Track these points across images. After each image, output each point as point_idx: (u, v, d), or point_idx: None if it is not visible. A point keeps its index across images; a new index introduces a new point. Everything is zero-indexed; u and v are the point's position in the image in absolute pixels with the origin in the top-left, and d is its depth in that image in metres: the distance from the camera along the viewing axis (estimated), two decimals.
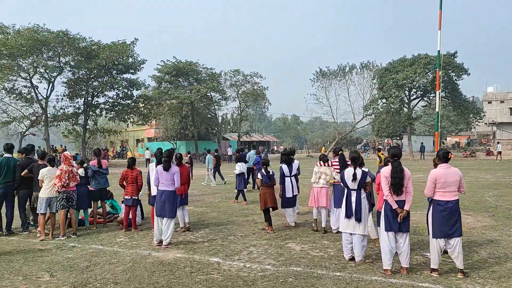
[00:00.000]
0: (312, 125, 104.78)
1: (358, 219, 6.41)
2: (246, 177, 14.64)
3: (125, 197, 8.83)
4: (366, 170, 6.69)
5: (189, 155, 20.92)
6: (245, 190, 13.70)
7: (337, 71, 51.89)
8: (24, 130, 38.24)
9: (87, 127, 37.81)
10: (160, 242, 7.52)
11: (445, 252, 6.04)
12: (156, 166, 7.95)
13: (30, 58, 33.09)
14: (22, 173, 8.64)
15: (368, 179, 6.62)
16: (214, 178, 18.92)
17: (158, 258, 6.69)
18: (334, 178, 8.50)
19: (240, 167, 13.94)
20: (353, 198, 6.50)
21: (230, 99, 47.70)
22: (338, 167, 8.36)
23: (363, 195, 6.56)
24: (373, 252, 7.00)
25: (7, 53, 31.45)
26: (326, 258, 6.65)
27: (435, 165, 6.63)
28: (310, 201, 8.66)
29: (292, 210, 9.28)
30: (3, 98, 35.69)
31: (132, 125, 42.01)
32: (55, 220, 8.48)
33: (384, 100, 43.65)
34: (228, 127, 54.66)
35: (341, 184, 8.39)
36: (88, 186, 9.37)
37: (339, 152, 8.68)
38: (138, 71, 37.66)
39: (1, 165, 8.61)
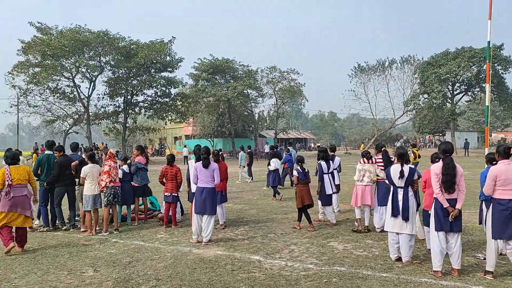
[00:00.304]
0: (350, 122, 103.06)
1: (406, 218, 6.11)
2: (280, 173, 14.67)
3: (165, 193, 8.87)
4: (413, 167, 6.38)
5: (220, 153, 21.05)
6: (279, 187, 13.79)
7: (376, 66, 50.74)
8: (67, 128, 39.64)
9: (127, 125, 38.75)
10: (199, 239, 7.48)
11: (501, 253, 5.66)
12: (195, 163, 7.92)
13: (73, 58, 34.27)
14: (72, 169, 8.90)
15: (415, 176, 6.29)
16: (250, 175, 19.03)
17: (198, 255, 6.63)
18: (378, 176, 8.19)
19: (275, 163, 13.92)
20: (400, 196, 6.19)
21: (266, 96, 47.60)
22: (382, 164, 8.06)
23: (411, 193, 6.25)
24: (420, 253, 6.66)
25: (51, 53, 32.66)
26: (371, 258, 6.38)
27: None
28: (354, 200, 8.34)
29: (331, 207, 9.12)
30: (47, 98, 37.12)
31: (170, 123, 42.68)
32: (97, 215, 8.62)
33: (425, 95, 42.20)
34: (265, 124, 54.60)
35: (386, 181, 8.12)
36: (131, 183, 9.46)
37: (382, 149, 8.36)
38: (176, 69, 38.25)
39: (42, 162, 8.81)
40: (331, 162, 9.67)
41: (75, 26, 34.54)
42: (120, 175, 8.94)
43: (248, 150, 20.23)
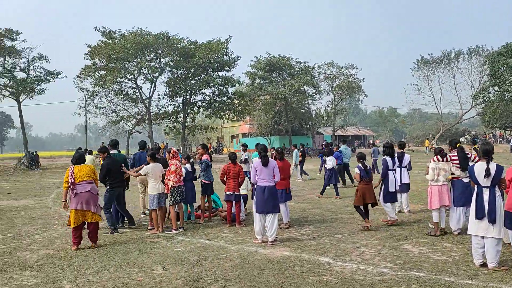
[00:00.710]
0: (411, 117, 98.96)
1: (492, 221, 5.56)
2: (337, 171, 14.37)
3: (227, 192, 8.77)
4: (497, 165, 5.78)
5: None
6: (339, 185, 13.69)
7: (441, 58, 48.08)
8: (130, 129, 41.38)
9: (186, 124, 39.71)
10: (264, 239, 7.32)
11: None
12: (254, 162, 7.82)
13: (135, 60, 35.68)
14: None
15: (504, 174, 5.70)
16: (302, 173, 18.84)
17: (265, 256, 6.46)
18: (453, 174, 7.59)
19: (332, 161, 13.58)
20: (486, 197, 5.64)
21: (324, 92, 46.87)
22: (458, 161, 7.47)
23: (498, 193, 5.67)
24: (507, 258, 6.04)
25: (115, 56, 34.18)
26: (451, 263, 5.88)
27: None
28: (431, 202, 7.69)
29: (392, 204, 8.74)
30: (112, 99, 39.02)
31: (228, 121, 43.24)
32: (163, 213, 8.72)
33: (496, 88, 39.45)
34: (322, 121, 53.76)
35: (462, 180, 7.51)
36: (193, 182, 9.50)
37: (457, 145, 7.74)
38: (233, 68, 38.62)
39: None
40: (401, 159, 9.18)
41: (136, 29, 35.89)
42: (184, 173, 9.00)
43: (301, 148, 19.98)
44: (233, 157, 9.05)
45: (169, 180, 8.46)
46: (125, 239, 7.89)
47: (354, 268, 5.77)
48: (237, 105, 40.42)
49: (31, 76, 34.85)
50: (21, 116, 35.40)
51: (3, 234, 8.74)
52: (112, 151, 9.28)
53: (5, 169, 32.88)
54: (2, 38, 32.64)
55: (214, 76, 38.24)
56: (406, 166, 9.86)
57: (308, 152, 38.57)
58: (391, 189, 8.60)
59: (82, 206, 7.22)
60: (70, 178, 7.28)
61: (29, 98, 35.57)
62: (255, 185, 7.58)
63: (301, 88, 42.74)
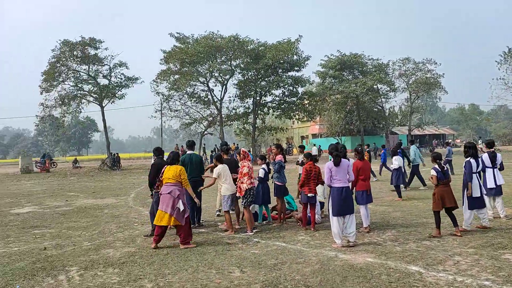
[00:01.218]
0: (495, 115, 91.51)
1: None
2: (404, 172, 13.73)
3: (309, 194, 8.34)
4: None
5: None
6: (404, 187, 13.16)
7: None
8: (203, 130, 42.53)
9: (256, 125, 39.96)
10: (343, 244, 6.93)
11: None
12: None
13: (207, 63, 36.59)
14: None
15: None
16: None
17: (347, 261, 6.05)
18: None
19: (398, 161, 12.77)
20: None
21: (398, 90, 44.71)
22: None
23: None
24: None
25: (188, 61, 35.31)
26: None
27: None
28: None
29: (479, 210, 7.95)
30: (186, 102, 40.36)
31: (298, 122, 42.87)
32: (237, 214, 8.62)
33: None
34: (396, 120, 51.38)
35: None
36: (268, 182, 9.30)
37: None
38: (303, 67, 38.22)
39: (186, 162, 8.95)
40: (479, 159, 8.27)
41: (208, 33, 36.76)
42: (261, 174, 8.82)
43: (367, 149, 19.12)
44: (311, 156, 8.72)
45: (242, 182, 8.33)
46: (202, 240, 7.87)
47: (450, 279, 5.18)
48: (307, 105, 39.91)
49: (112, 82, 37.15)
50: (104, 120, 37.86)
51: (89, 231, 9.16)
52: (188, 152, 9.37)
53: (90, 170, 35.28)
54: (86, 47, 35.12)
55: (284, 76, 38.11)
56: (498, 166, 8.91)
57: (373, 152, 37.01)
58: (476, 194, 7.82)
59: (163, 207, 7.29)
60: (161, 177, 7.50)
61: (111, 103, 37.92)
62: (330, 187, 7.21)
63: (374, 86, 41.15)
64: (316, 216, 8.80)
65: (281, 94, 39.39)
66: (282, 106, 39.41)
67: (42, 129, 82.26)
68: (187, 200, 8.86)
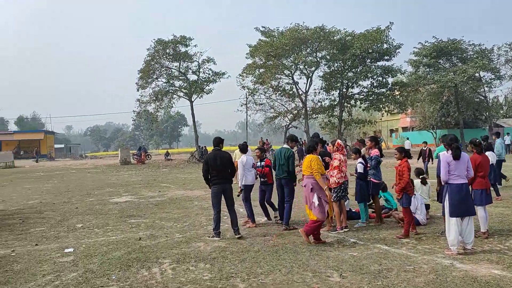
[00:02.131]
0: None
1: None
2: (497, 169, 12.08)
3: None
4: None
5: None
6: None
7: None
8: (287, 124, 42.15)
9: (342, 118, 38.61)
10: (460, 250, 6.01)
11: None
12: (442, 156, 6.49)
13: (292, 56, 36.05)
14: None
15: None
16: None
17: (467, 273, 5.18)
18: None
19: (492, 157, 11.11)
20: None
21: (505, 78, 40.17)
22: None
23: None
24: None
25: (274, 54, 35.05)
26: None
27: None
28: None
29: None
30: (270, 96, 40.25)
31: (387, 114, 40.66)
32: (333, 211, 8.03)
33: None
34: (501, 111, 46.42)
35: None
36: (371, 179, 8.53)
37: None
38: (394, 56, 36.04)
39: (275, 157, 8.50)
40: None
41: (294, 25, 36.18)
42: (360, 169, 8.13)
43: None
44: (406, 151, 7.80)
45: (332, 176, 7.75)
46: (294, 238, 7.40)
47: None
48: (398, 96, 37.56)
49: (201, 78, 38.26)
50: (193, 114, 39.23)
51: (180, 223, 9.19)
52: (285, 146, 8.74)
53: (180, 162, 36.78)
54: (177, 45, 36.53)
55: (373, 66, 36.24)
56: None
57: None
58: None
59: (304, 200, 7.16)
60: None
61: (199, 98, 39.09)
62: (447, 184, 6.29)
63: (476, 74, 37.44)
64: (421, 217, 7.90)
65: (369, 85, 37.52)
66: (371, 98, 37.56)
67: (138, 123, 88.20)
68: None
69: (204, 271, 5.64)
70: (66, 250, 6.96)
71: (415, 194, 7.57)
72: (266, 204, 8.89)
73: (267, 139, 44.11)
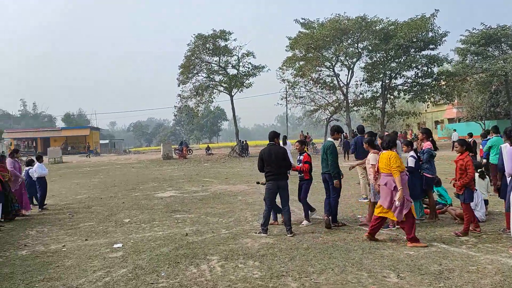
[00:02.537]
0: None
1: None
2: None
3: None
4: None
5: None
6: None
7: None
8: (328, 117, 41.47)
9: (385, 110, 37.52)
10: None
11: None
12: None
13: (332, 47, 35.37)
14: None
15: None
16: None
17: None
18: None
19: None
20: None
21: None
22: None
23: None
24: None
25: (314, 46, 34.52)
26: None
27: None
28: None
29: None
30: (311, 88, 39.72)
31: (433, 105, 39.08)
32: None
33: None
34: None
35: None
36: (424, 173, 8.11)
37: None
38: (439, 45, 34.55)
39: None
40: None
41: (334, 16, 35.45)
42: (412, 163, 7.73)
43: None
44: (468, 144, 7.33)
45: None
46: (344, 234, 7.15)
47: None
48: (444, 87, 36.01)
49: (241, 72, 38.25)
50: (233, 109, 39.33)
51: (225, 218, 9.13)
52: (329, 139, 8.47)
53: (221, 157, 37.04)
54: (217, 39, 36.67)
55: (418, 56, 34.91)
56: None
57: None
58: None
59: (381, 200, 6.65)
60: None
61: (239, 92, 39.11)
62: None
63: None
64: (480, 214, 7.43)
65: (413, 76, 36.18)
66: (415, 89, 36.23)
67: (179, 118, 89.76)
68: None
69: (253, 268, 5.52)
70: (115, 246, 7.05)
71: (476, 190, 7.11)
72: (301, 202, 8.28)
73: (307, 133, 43.59)
